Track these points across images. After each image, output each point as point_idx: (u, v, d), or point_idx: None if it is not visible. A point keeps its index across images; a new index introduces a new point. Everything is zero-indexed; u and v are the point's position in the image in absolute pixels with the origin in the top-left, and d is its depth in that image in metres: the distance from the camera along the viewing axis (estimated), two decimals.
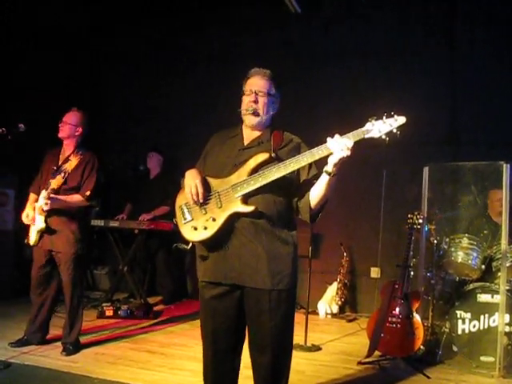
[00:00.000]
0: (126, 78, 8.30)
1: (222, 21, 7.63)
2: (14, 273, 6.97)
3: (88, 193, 4.82)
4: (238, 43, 7.51)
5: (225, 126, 3.33)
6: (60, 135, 4.94)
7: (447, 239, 5.34)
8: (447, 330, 4.89)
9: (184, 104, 7.86)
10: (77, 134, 4.94)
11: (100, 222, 6.70)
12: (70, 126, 4.90)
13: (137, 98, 8.19)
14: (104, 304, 6.34)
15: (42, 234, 4.78)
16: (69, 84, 7.49)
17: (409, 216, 5.08)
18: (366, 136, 2.76)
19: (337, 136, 2.75)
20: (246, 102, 3.11)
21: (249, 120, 3.12)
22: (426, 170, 5.56)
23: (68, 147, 4.98)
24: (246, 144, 3.14)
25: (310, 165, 2.98)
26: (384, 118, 2.75)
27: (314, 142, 2.89)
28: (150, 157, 7.39)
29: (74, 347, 4.84)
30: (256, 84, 3.12)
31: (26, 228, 4.94)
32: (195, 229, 3.01)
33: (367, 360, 4.78)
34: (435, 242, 5.37)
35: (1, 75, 6.64)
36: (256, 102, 3.09)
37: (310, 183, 3.01)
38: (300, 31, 7.34)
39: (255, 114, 3.09)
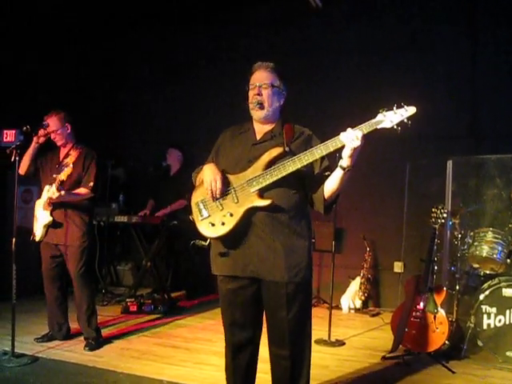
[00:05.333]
0: (141, 77, 8.35)
1: (239, 18, 7.62)
2: (38, 269, 7.02)
3: (91, 184, 4.91)
4: (256, 39, 7.49)
5: (238, 121, 3.34)
6: (59, 144, 5.02)
7: (471, 233, 5.29)
8: (472, 325, 4.82)
9: (201, 100, 7.88)
10: (68, 131, 5.01)
11: (123, 218, 6.75)
12: (59, 130, 4.95)
13: (154, 96, 8.22)
14: (128, 299, 6.39)
15: (47, 228, 4.86)
16: (86, 85, 7.55)
17: (433, 210, 5.01)
18: (379, 127, 2.81)
19: (349, 129, 2.81)
20: (251, 95, 3.14)
21: (255, 114, 3.15)
22: (449, 163, 5.52)
23: (67, 144, 5.04)
24: (258, 138, 3.16)
25: (323, 157, 3.00)
26: (394, 108, 2.80)
27: (334, 136, 2.88)
28: (169, 153, 7.39)
29: (95, 342, 4.89)
30: (259, 77, 3.15)
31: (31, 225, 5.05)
32: (213, 225, 3.03)
33: (391, 355, 4.76)
34: (459, 236, 5.32)
35: (18, 77, 6.75)
36: (260, 94, 3.11)
37: (322, 175, 3.05)
38: (320, 26, 7.28)
39: (260, 107, 3.11)
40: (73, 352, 4.74)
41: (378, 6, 7.06)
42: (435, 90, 6.33)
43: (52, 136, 4.96)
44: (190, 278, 7.33)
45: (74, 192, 4.85)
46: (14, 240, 4.49)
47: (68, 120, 5.01)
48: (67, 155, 4.99)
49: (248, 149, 3.12)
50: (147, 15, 7.80)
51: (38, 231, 4.91)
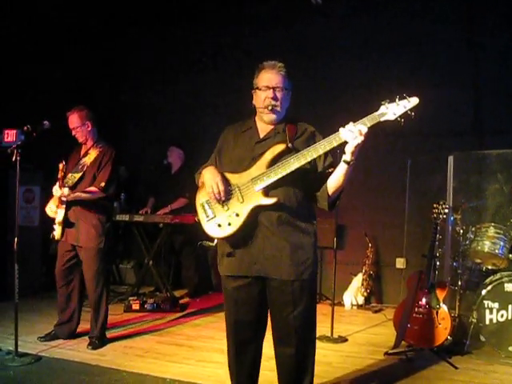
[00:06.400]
0: (141, 77, 8.34)
1: (239, 17, 7.61)
2: (41, 268, 7.05)
3: (103, 184, 4.86)
4: (257, 38, 7.48)
5: (239, 119, 3.32)
6: (80, 141, 5.04)
7: (473, 228, 5.29)
8: (475, 320, 4.83)
9: (203, 99, 7.88)
10: (88, 129, 5.00)
11: (125, 217, 6.75)
12: (79, 128, 4.97)
13: (155, 95, 8.22)
14: (130, 298, 6.40)
15: (64, 227, 4.83)
16: (89, 83, 7.55)
17: (434, 206, 5.01)
18: (382, 119, 2.78)
19: (350, 124, 2.78)
20: (263, 97, 3.08)
21: (267, 117, 3.10)
22: (451, 158, 5.51)
23: (87, 142, 5.05)
24: (261, 136, 3.13)
25: (326, 154, 2.98)
26: (397, 100, 2.77)
27: (335, 132, 2.87)
28: (170, 151, 7.41)
29: (99, 341, 4.90)
30: (273, 79, 3.07)
31: (52, 223, 5.01)
32: (219, 225, 3.01)
33: (394, 351, 4.76)
34: (461, 231, 5.33)
35: (18, 77, 6.76)
36: (275, 98, 3.06)
37: (326, 172, 3.03)
38: (321, 24, 7.26)
39: (275, 111, 3.08)
40: (76, 351, 4.74)
41: (379, 3, 7.03)
42: (437, 87, 6.30)
43: (73, 132, 4.99)
44: (192, 275, 7.34)
45: (84, 190, 4.83)
46: (16, 240, 4.49)
47: (90, 118, 5.01)
48: (86, 154, 5.00)
49: (251, 147, 3.10)
50: (147, 15, 7.79)
51: (56, 230, 4.87)
